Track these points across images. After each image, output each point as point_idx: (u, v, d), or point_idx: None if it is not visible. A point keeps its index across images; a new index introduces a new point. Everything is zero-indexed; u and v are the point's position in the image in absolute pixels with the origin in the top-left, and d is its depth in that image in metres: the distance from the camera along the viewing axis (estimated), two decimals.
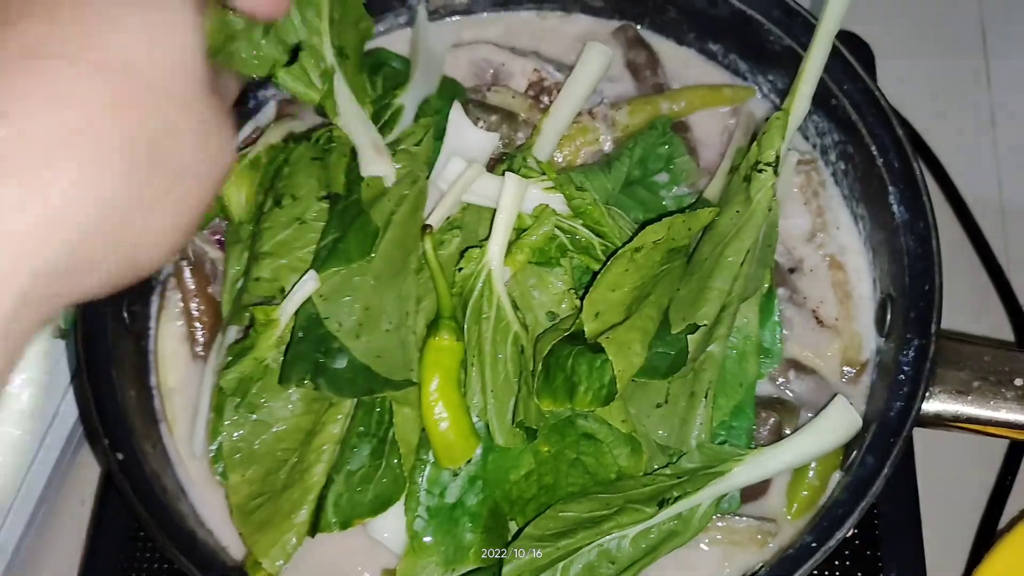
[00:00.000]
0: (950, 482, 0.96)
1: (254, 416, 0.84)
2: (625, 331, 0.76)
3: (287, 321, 0.83)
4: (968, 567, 0.94)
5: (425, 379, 0.81)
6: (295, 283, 0.82)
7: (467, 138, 0.92)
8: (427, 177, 0.91)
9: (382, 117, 0.94)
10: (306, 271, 0.83)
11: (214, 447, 0.84)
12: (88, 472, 1.03)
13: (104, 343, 0.86)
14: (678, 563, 0.81)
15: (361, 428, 0.83)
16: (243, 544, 0.83)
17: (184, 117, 0.53)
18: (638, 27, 1.02)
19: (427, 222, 0.86)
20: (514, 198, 0.84)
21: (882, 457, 0.76)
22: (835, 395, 0.83)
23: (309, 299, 0.82)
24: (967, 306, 1.07)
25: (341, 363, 0.80)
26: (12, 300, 0.45)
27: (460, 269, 0.84)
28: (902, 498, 0.91)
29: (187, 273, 0.94)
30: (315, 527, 0.81)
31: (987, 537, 0.95)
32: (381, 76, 0.96)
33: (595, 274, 0.81)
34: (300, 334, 0.82)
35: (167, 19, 0.52)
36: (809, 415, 0.87)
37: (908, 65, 1.21)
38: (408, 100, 0.94)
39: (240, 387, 0.83)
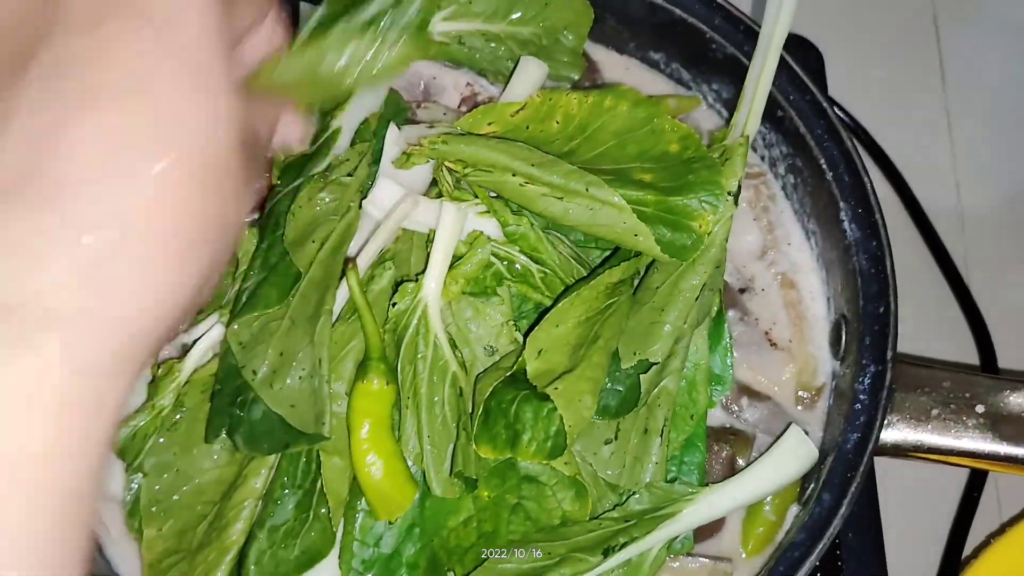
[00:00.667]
0: (913, 507, 0.92)
1: (173, 469, 0.79)
2: (574, 381, 0.71)
3: (189, 371, 0.78)
4: None
5: (354, 427, 0.76)
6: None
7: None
8: (359, 207, 0.86)
9: (316, 141, 0.88)
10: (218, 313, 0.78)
11: (130, 498, 0.79)
12: None
13: None
14: None
15: (286, 479, 0.78)
16: None
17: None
18: None
19: (353, 255, 0.81)
20: (453, 228, 0.79)
21: (840, 494, 0.72)
22: (790, 424, 0.78)
23: (229, 348, 0.77)
24: (926, 316, 1.04)
25: (256, 416, 0.75)
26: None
27: (394, 304, 0.79)
28: (865, 524, 0.87)
29: None
30: None
31: (952, 564, 0.91)
32: None
33: (540, 310, 0.77)
34: (218, 386, 0.78)
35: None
36: (767, 440, 0.82)
37: (860, 67, 1.17)
38: (346, 121, 0.88)
39: (131, 444, 0.78)
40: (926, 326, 1.03)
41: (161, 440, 0.80)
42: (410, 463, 0.76)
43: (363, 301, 0.80)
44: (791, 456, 0.74)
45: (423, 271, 0.79)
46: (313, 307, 0.81)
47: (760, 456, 0.77)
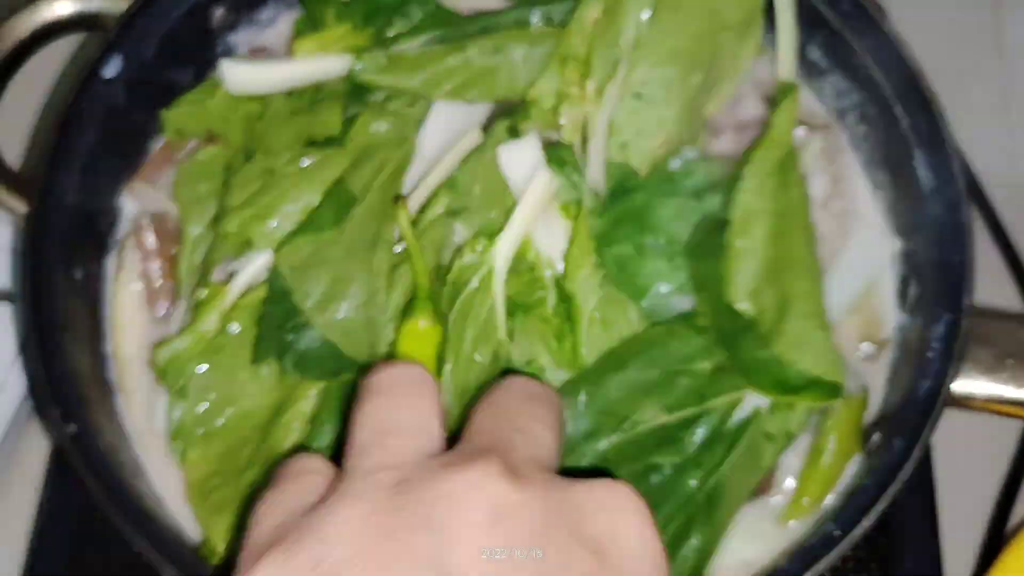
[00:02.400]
0: (965, 468, 0.90)
1: (218, 391, 0.78)
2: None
3: (235, 296, 0.77)
4: (983, 557, 0.89)
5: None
6: (263, 233, 0.77)
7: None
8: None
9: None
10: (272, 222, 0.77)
11: (174, 421, 0.77)
12: (34, 457, 0.93)
13: (54, 307, 0.77)
14: None
15: (333, 404, 0.76)
16: (199, 526, 0.76)
17: None
18: None
19: (405, 193, 0.79)
20: (542, 194, 0.76)
21: (912, 438, 0.70)
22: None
23: (279, 272, 0.76)
24: (983, 287, 1.02)
25: (307, 341, 0.74)
26: None
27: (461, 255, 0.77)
28: (917, 485, 0.85)
29: (148, 232, 0.86)
30: None
31: (1001, 528, 0.90)
32: None
33: None
34: (268, 308, 0.76)
35: None
36: None
37: (920, 31, 1.14)
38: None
39: (172, 366, 0.77)
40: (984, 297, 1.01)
41: (206, 364, 0.78)
42: None
43: (413, 240, 0.78)
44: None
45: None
46: (371, 235, 0.79)
47: None
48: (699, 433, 0.71)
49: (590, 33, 0.78)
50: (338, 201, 0.78)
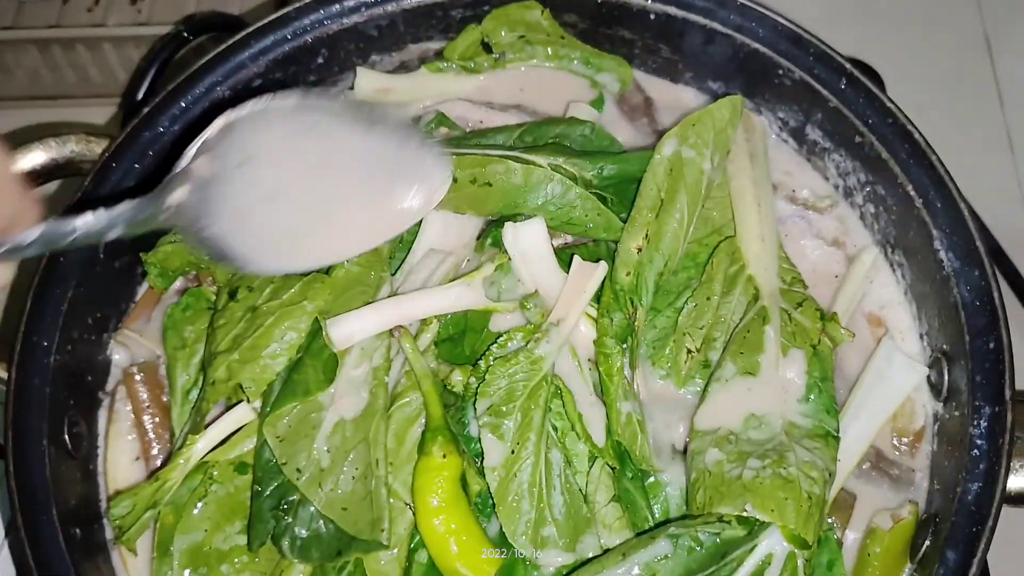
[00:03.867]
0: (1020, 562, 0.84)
1: (208, 545, 0.74)
2: None
3: (201, 454, 0.74)
4: None
5: (421, 506, 0.70)
6: (251, 377, 0.73)
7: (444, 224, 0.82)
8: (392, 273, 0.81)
9: None
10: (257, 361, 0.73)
11: None
12: None
13: (42, 479, 0.73)
14: None
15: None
16: None
17: None
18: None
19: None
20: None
21: (967, 552, 0.65)
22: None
23: (265, 442, 0.71)
24: None
25: (303, 520, 0.70)
26: None
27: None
28: None
29: (138, 381, 0.82)
30: None
31: None
32: None
33: None
34: (257, 487, 0.72)
35: None
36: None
37: (917, 88, 1.12)
38: None
39: (132, 517, 0.73)
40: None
41: (192, 518, 0.74)
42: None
43: (422, 367, 0.75)
44: (891, 370, 0.75)
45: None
46: (363, 400, 0.74)
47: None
48: None
49: (636, 262, 0.76)
50: (322, 360, 0.74)
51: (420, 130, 0.80)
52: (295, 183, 0.68)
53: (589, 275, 0.76)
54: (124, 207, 0.60)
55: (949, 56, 1.19)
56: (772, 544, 0.67)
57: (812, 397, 0.73)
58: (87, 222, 0.59)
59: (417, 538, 0.72)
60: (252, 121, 0.66)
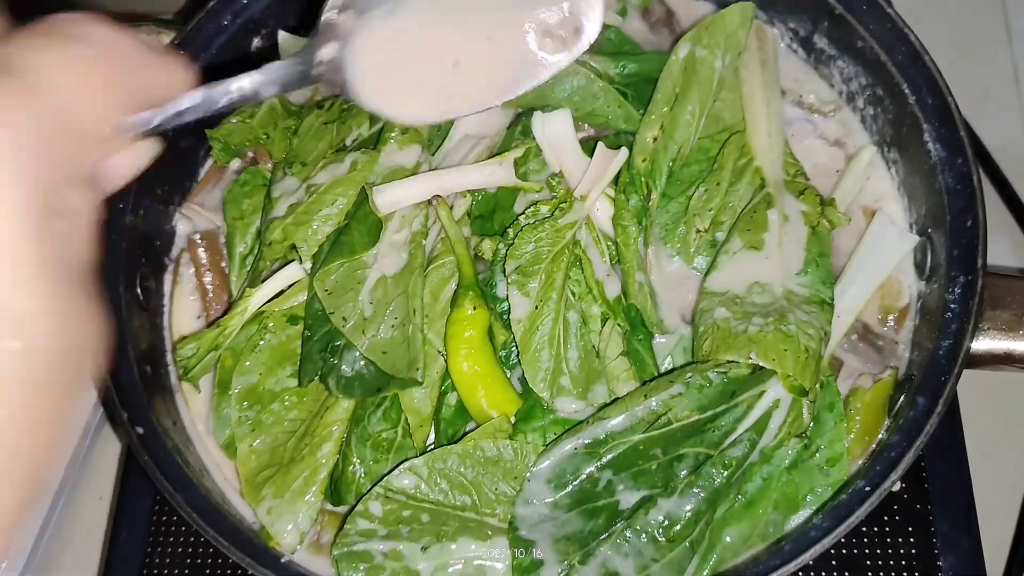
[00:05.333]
0: (995, 429, 0.92)
1: (260, 390, 0.83)
2: None
3: (261, 301, 0.83)
4: (1021, 519, 0.91)
5: (452, 350, 0.79)
6: (305, 237, 0.81)
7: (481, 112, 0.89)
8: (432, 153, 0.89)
9: None
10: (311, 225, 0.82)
11: (221, 418, 0.84)
12: (105, 466, 1.00)
13: (118, 321, 0.83)
14: None
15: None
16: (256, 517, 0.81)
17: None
18: None
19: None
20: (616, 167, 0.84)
21: (934, 396, 0.73)
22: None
23: (315, 294, 0.80)
24: (999, 260, 1.04)
25: (348, 361, 0.79)
26: None
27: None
28: (948, 449, 0.87)
29: (200, 248, 0.91)
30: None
31: None
32: None
33: None
34: (307, 332, 0.81)
35: None
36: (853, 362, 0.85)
37: (928, 21, 1.18)
38: None
39: (196, 358, 0.83)
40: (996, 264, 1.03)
41: (248, 363, 0.83)
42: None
43: (456, 232, 0.83)
44: (884, 240, 0.83)
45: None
46: (402, 259, 0.83)
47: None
48: (724, 423, 0.75)
49: (651, 150, 0.85)
50: (365, 224, 0.83)
51: None
52: (440, 31, 0.67)
53: (611, 159, 0.84)
54: (276, 67, 0.61)
55: None
56: (779, 391, 0.75)
57: (810, 271, 0.81)
58: (242, 86, 0.59)
59: (448, 382, 0.81)
60: None
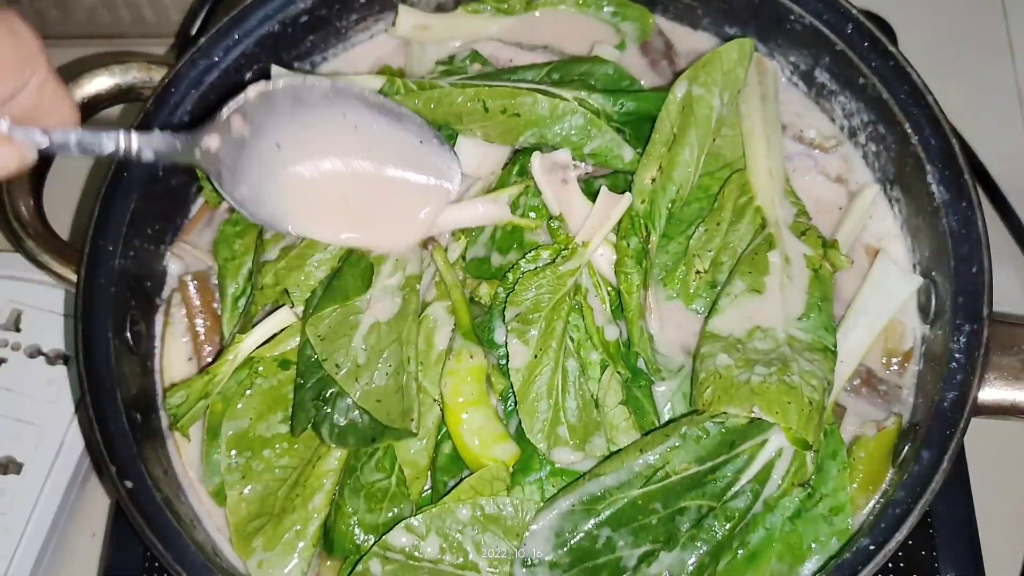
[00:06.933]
0: (1002, 476, 0.91)
1: (250, 438, 0.82)
2: None
3: (246, 353, 0.82)
4: None
5: (449, 402, 0.78)
6: (297, 282, 0.81)
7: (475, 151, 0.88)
8: None
9: None
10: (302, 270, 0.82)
11: (210, 464, 0.82)
12: (98, 502, 0.98)
13: (107, 366, 0.81)
14: None
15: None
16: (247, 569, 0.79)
17: None
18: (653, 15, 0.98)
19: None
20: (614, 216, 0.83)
21: (940, 451, 0.71)
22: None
23: (308, 340, 0.79)
24: (1009, 295, 1.03)
25: (341, 409, 0.77)
26: None
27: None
28: (955, 495, 0.86)
29: (191, 288, 0.90)
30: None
31: None
32: None
33: None
34: (300, 380, 0.80)
35: None
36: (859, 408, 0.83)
37: (929, 42, 1.16)
38: None
39: (186, 412, 0.81)
40: (1009, 306, 1.01)
41: (239, 406, 0.82)
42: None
43: (453, 277, 0.82)
44: (887, 282, 0.82)
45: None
46: (396, 306, 0.81)
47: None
48: (726, 474, 0.74)
49: (650, 191, 0.83)
50: (360, 268, 0.82)
51: (435, 128, 0.85)
52: (326, 166, 0.78)
53: (614, 204, 0.82)
54: (157, 136, 0.66)
55: (962, 11, 1.23)
56: (782, 439, 0.74)
57: (812, 315, 0.79)
58: (120, 143, 0.65)
59: (444, 430, 0.80)
60: (286, 97, 0.75)
